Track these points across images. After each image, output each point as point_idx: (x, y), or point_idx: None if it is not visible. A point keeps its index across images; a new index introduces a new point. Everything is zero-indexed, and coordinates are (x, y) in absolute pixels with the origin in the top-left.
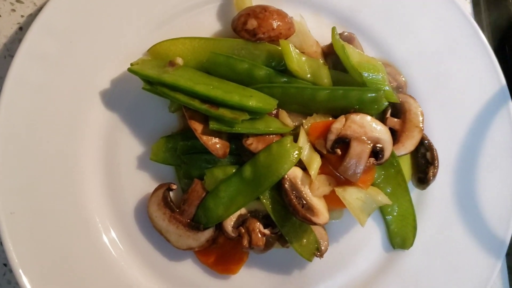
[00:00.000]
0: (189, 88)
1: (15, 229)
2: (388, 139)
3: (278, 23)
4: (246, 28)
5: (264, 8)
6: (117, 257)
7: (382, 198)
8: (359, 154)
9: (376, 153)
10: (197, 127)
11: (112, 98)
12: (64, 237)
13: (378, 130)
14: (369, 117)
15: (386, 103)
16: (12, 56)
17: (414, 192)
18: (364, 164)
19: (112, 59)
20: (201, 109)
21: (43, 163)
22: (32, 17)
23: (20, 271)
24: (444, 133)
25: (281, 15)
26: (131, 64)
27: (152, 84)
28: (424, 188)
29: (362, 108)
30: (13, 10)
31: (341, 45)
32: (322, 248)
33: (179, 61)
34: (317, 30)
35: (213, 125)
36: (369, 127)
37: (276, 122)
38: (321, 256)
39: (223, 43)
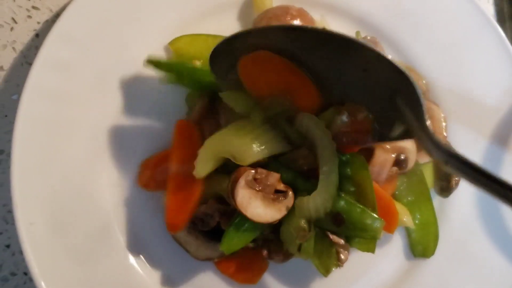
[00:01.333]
0: None
1: (35, 240)
2: (413, 149)
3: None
4: None
5: (285, 10)
6: (138, 268)
7: (407, 220)
8: (382, 163)
9: (399, 162)
10: None
11: (132, 104)
12: (85, 245)
13: None
14: None
15: None
16: (28, 63)
17: (436, 199)
18: (387, 173)
19: (131, 66)
20: None
21: (62, 172)
22: (48, 23)
23: (42, 282)
24: (467, 140)
25: (303, 14)
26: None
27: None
28: (446, 196)
29: None
30: (29, 17)
31: None
32: (342, 257)
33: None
34: None
35: None
36: None
37: None
38: (341, 265)
39: None
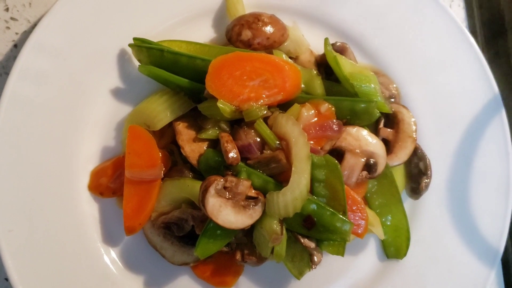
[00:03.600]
0: None
1: (14, 246)
2: (383, 154)
3: (272, 31)
4: (240, 39)
5: (257, 17)
6: (117, 274)
7: (377, 231)
8: (352, 167)
9: (369, 166)
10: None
11: (107, 114)
12: (63, 251)
13: (374, 144)
14: (365, 131)
15: (378, 114)
16: (7, 73)
17: (408, 201)
18: (357, 177)
19: (107, 75)
20: None
21: (40, 180)
22: (26, 34)
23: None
24: (438, 143)
25: (275, 21)
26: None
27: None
28: (417, 198)
29: (353, 118)
30: (8, 28)
31: (333, 56)
32: (316, 259)
33: None
34: (311, 41)
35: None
36: (364, 141)
37: None
38: (314, 267)
39: (218, 50)
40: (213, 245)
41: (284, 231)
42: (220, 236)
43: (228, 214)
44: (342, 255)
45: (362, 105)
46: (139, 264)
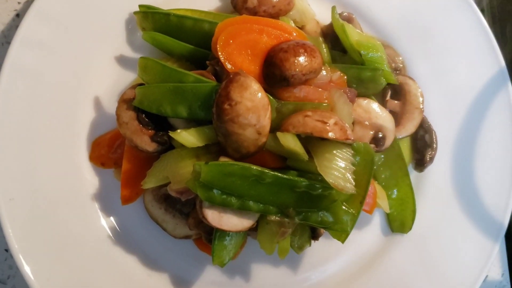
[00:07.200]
0: None
1: (15, 215)
2: (391, 128)
3: None
4: (246, 6)
5: None
6: (116, 243)
7: (382, 204)
8: (360, 139)
9: (377, 139)
10: None
11: (109, 84)
12: (64, 222)
13: (383, 117)
14: (375, 104)
15: (385, 83)
16: (9, 43)
17: (413, 175)
18: None
19: (110, 44)
20: None
21: (41, 149)
22: (28, 3)
23: (20, 256)
24: (443, 116)
25: None
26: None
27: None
28: (421, 171)
29: (359, 87)
30: None
31: (340, 24)
32: (316, 234)
33: None
34: (317, 11)
35: None
36: (374, 114)
37: None
38: (316, 239)
39: (224, 18)
40: (227, 252)
41: (292, 224)
42: (231, 239)
43: (230, 218)
44: (343, 242)
45: (369, 73)
46: (140, 237)
